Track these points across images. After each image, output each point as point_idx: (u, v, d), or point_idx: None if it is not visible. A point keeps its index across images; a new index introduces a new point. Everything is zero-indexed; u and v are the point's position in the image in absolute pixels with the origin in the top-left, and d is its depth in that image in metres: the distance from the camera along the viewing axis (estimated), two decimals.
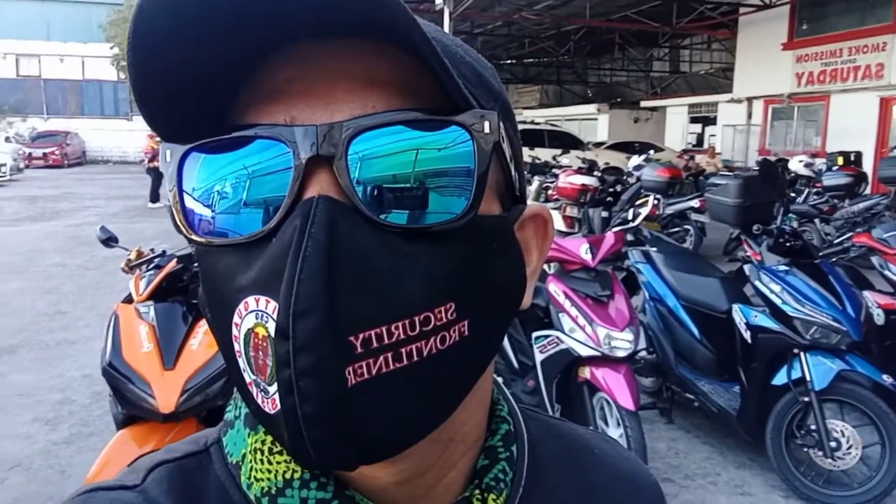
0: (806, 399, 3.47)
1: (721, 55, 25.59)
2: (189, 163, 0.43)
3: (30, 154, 27.13)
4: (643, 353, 4.44)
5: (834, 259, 4.53)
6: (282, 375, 0.37)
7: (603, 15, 20.67)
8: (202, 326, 2.71)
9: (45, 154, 27.99)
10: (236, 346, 0.41)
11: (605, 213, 9.72)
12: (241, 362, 0.41)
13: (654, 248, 4.54)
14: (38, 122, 32.65)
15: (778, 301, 3.57)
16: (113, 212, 14.73)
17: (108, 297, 7.38)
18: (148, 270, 2.95)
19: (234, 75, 0.43)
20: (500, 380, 0.56)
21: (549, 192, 10.21)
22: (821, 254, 4.52)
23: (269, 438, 0.46)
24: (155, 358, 2.56)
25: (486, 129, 0.42)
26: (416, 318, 0.39)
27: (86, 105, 34.53)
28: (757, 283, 3.74)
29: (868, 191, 10.47)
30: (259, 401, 0.40)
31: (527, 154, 12.85)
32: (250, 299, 0.39)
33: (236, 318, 0.40)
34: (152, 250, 3.10)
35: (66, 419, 4.43)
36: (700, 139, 23.54)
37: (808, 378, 3.45)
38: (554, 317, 3.66)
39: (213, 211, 0.43)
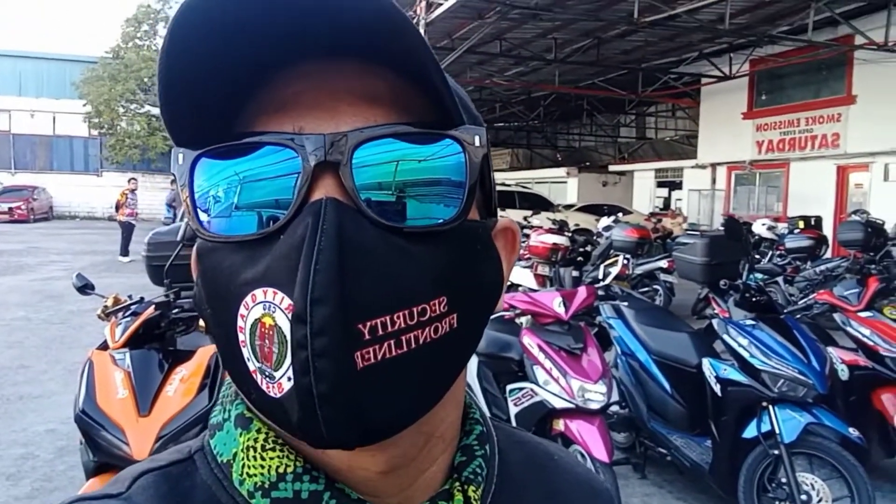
0: (776, 452, 3.52)
1: (685, 122, 26.48)
2: (201, 166, 0.46)
3: None
4: (616, 408, 4.47)
5: (798, 316, 4.65)
6: (298, 356, 0.40)
7: (571, 82, 21.39)
8: (178, 373, 2.69)
9: (10, 209, 27.59)
10: (241, 337, 0.44)
11: (575, 273, 9.85)
12: (246, 351, 0.44)
13: (626, 304, 4.62)
14: (5, 176, 32.29)
15: (746, 354, 3.65)
16: (80, 266, 14.48)
17: (74, 351, 7.24)
18: (125, 317, 2.93)
19: (247, 85, 0.47)
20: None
21: (521, 251, 10.34)
22: (785, 311, 4.63)
23: (262, 436, 0.49)
24: (130, 404, 2.53)
25: (477, 143, 0.47)
26: (415, 309, 0.43)
27: (55, 160, 34.29)
28: (725, 336, 3.82)
29: (829, 254, 10.81)
30: (264, 387, 0.43)
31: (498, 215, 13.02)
32: (258, 291, 0.43)
33: (242, 311, 0.44)
34: (129, 297, 3.09)
35: (29, 474, 4.29)
36: (667, 203, 24.11)
37: (777, 431, 3.50)
38: (528, 369, 3.69)
39: (222, 210, 0.46)
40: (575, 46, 17.30)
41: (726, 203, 19.70)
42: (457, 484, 0.53)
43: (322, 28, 0.43)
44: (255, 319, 0.43)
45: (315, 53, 0.45)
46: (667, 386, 4.31)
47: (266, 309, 0.42)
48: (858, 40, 14.00)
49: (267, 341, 0.42)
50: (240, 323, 0.44)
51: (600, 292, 4.52)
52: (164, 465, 0.51)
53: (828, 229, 12.46)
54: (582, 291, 3.85)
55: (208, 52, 0.43)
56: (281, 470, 0.47)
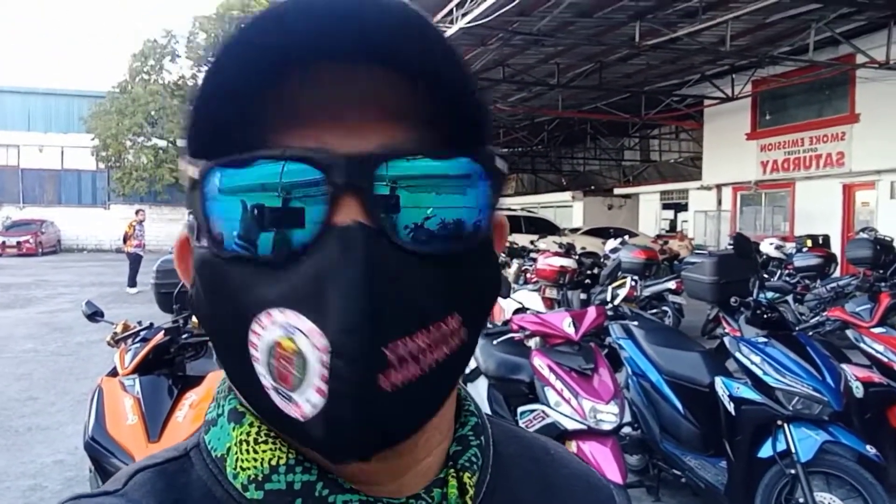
0: (792, 471, 3.46)
1: (689, 144, 26.54)
2: (218, 177, 0.44)
3: (3, 242, 27.06)
4: (628, 430, 4.42)
5: (810, 333, 4.61)
6: (330, 384, 0.41)
7: (575, 107, 21.51)
8: (188, 399, 2.68)
9: (18, 242, 27.81)
10: (254, 353, 0.44)
11: (584, 295, 9.83)
12: (260, 367, 0.44)
13: (635, 324, 4.60)
14: (13, 210, 32.59)
15: (759, 372, 3.61)
16: (88, 298, 14.51)
17: (82, 382, 7.22)
18: (134, 343, 2.93)
19: (260, 89, 0.44)
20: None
21: (528, 274, 10.33)
22: (797, 328, 4.60)
23: (254, 430, 0.49)
24: (140, 431, 2.52)
25: (499, 165, 0.47)
26: (433, 327, 0.44)
27: (63, 194, 34.62)
28: (737, 354, 3.78)
29: (838, 272, 10.74)
30: (280, 405, 0.43)
31: None
32: (275, 311, 0.42)
33: (256, 328, 0.43)
34: (139, 323, 3.09)
35: None
36: (673, 225, 24.10)
37: (793, 450, 3.45)
38: (539, 391, 3.67)
39: (234, 225, 0.44)
40: (577, 71, 17.44)
41: (733, 224, 19.67)
42: (452, 471, 0.53)
43: (349, 28, 0.41)
44: (273, 340, 0.43)
45: (338, 55, 0.43)
46: (679, 406, 4.26)
47: (286, 331, 0.42)
48: (860, 59, 14.07)
49: (286, 363, 0.42)
50: (252, 339, 0.44)
51: (609, 312, 4.50)
52: (160, 462, 0.52)
53: (836, 248, 12.40)
54: (591, 311, 3.84)
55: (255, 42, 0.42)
56: (274, 462, 0.47)
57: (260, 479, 0.47)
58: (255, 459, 0.48)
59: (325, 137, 0.43)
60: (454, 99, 0.44)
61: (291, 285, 0.42)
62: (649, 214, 24.89)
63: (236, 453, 0.49)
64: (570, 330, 3.70)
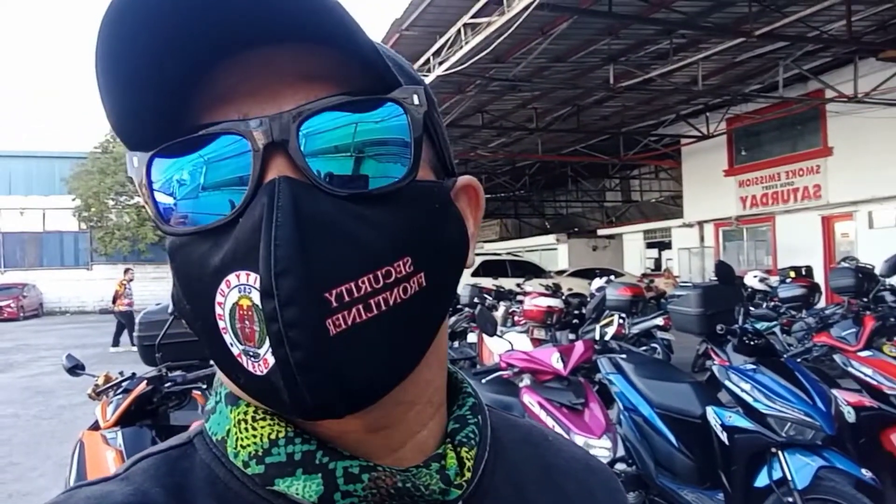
0: (790, 500, 3.41)
1: (669, 183, 26.91)
2: (156, 166, 0.48)
3: None
4: (623, 466, 4.36)
5: (798, 360, 4.61)
6: (271, 329, 0.42)
7: (554, 150, 21.82)
8: None
9: None
10: (221, 324, 0.45)
11: (572, 335, 9.81)
12: (228, 337, 0.45)
13: (623, 356, 4.58)
14: None
15: (749, 399, 3.59)
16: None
17: (65, 445, 7.03)
18: (116, 395, 2.87)
19: (186, 81, 0.47)
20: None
21: (516, 317, 10.30)
22: (785, 356, 4.60)
23: (251, 409, 0.50)
24: None
25: (416, 102, 0.48)
26: (379, 273, 0.44)
27: (45, 256, 34.36)
28: (727, 382, 3.77)
29: (822, 302, 10.80)
30: (250, 367, 0.44)
31: (490, 283, 13.05)
32: (231, 276, 0.44)
33: (219, 298, 0.45)
34: (121, 373, 3.04)
35: None
36: (658, 263, 24.23)
37: (789, 477, 3.41)
38: None
39: (181, 205, 0.47)
40: (555, 115, 17.73)
41: (716, 259, 19.82)
42: (450, 446, 0.54)
43: (251, 17, 0.44)
44: (233, 303, 0.44)
45: (249, 42, 0.46)
46: (672, 439, 4.21)
47: (241, 291, 0.43)
48: (829, 94, 14.42)
49: (247, 322, 0.43)
50: (218, 311, 0.45)
51: (597, 346, 4.48)
52: (163, 450, 0.53)
53: (819, 278, 12.50)
54: (579, 346, 3.83)
55: (144, 48, 0.44)
56: (273, 437, 0.48)
57: (260, 453, 0.48)
58: (255, 436, 0.49)
59: (245, 109, 0.47)
60: (357, 51, 0.46)
61: (235, 247, 0.44)
62: (634, 254, 25.06)
63: (235, 433, 0.49)
64: (559, 365, 3.68)
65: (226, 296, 0.44)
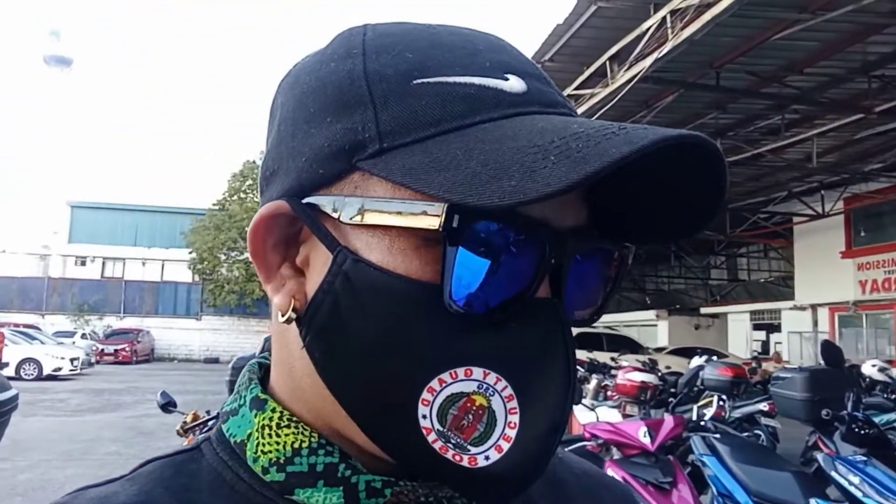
0: None
1: (779, 263, 25.71)
2: (471, 226, 0.43)
3: (102, 350, 28.37)
4: None
5: None
6: (541, 452, 0.45)
7: None
8: None
9: (115, 350, 29.14)
10: (425, 396, 0.43)
11: (667, 415, 9.34)
12: (425, 410, 0.43)
13: (718, 436, 4.31)
14: (113, 319, 34.43)
15: (858, 493, 3.30)
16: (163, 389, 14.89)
17: None
18: (202, 433, 2.96)
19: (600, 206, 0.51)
20: None
21: (609, 391, 9.96)
22: None
23: (276, 415, 0.50)
24: None
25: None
26: None
27: (160, 304, 36.46)
28: (833, 473, 3.48)
29: None
30: (441, 451, 0.44)
31: (585, 355, 12.73)
32: (476, 370, 0.43)
33: (444, 376, 0.43)
34: (208, 412, 3.13)
35: None
36: (766, 346, 22.98)
37: None
38: None
39: (473, 280, 0.43)
40: None
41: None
42: None
43: (702, 205, 0.51)
44: (460, 392, 0.43)
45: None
46: None
47: (481, 389, 0.43)
48: None
49: (470, 417, 0.43)
50: (433, 384, 0.43)
51: (690, 423, 4.25)
52: (170, 455, 0.53)
53: None
54: (669, 421, 3.65)
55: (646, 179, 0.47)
56: (296, 445, 0.48)
57: (282, 461, 0.48)
58: (278, 443, 0.49)
59: (548, 212, 0.45)
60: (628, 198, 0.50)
61: (496, 347, 0.44)
62: (739, 335, 23.91)
63: (257, 438, 0.49)
64: (646, 440, 3.51)
65: (456, 380, 0.43)
